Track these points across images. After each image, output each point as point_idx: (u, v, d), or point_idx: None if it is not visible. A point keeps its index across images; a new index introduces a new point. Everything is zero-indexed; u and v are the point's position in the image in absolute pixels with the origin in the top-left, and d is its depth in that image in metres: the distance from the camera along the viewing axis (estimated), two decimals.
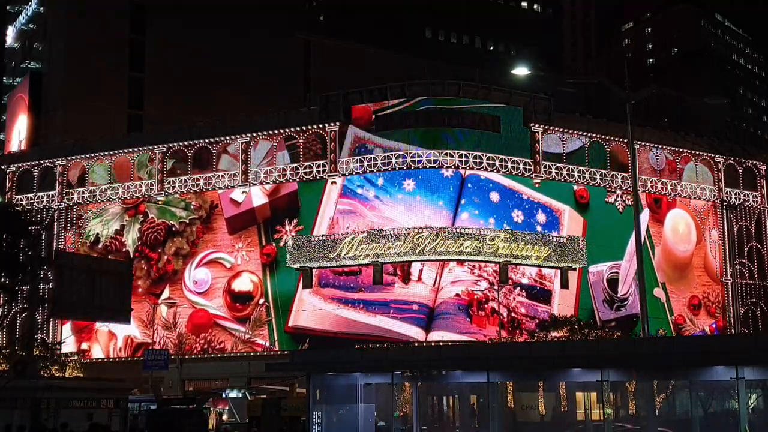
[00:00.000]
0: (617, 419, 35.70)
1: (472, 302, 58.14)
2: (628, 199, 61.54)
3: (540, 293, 60.07)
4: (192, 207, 63.73)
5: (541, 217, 61.03)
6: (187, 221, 63.83)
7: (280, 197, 61.80)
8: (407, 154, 58.79)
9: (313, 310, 59.76)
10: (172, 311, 62.67)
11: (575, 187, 62.23)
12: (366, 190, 60.14)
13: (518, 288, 59.27)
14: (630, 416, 36.80)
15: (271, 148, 62.06)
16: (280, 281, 60.64)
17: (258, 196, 62.19)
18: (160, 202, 64.11)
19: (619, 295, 62.44)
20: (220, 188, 62.56)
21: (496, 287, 57.27)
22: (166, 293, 63.26)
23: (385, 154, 59.23)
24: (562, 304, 59.82)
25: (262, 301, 60.95)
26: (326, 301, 59.40)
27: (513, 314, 58.78)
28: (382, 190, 59.89)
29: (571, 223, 61.89)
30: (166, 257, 63.68)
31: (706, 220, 66.55)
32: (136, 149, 65.33)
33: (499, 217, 59.79)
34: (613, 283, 62.44)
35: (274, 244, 61.18)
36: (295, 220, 60.94)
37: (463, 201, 59.43)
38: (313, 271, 59.57)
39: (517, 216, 60.24)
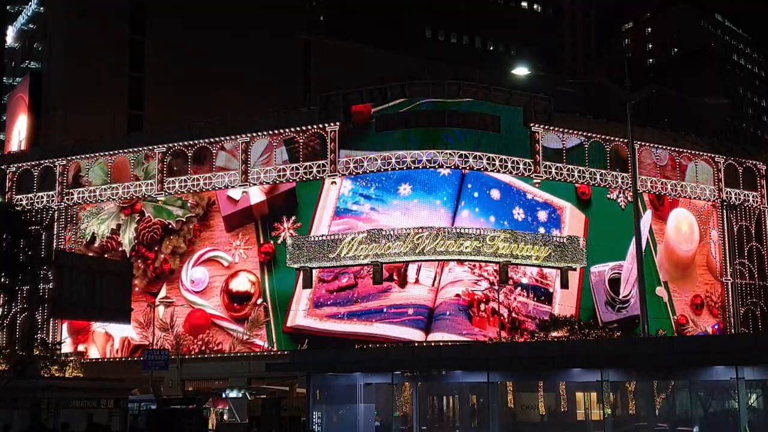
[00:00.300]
0: (657, 419, 35.56)
1: (473, 303, 58.01)
2: (630, 195, 61.48)
3: (541, 293, 60.00)
4: (189, 205, 63.67)
5: (542, 215, 60.92)
6: (184, 219, 63.70)
7: (278, 194, 61.72)
8: (407, 154, 58.75)
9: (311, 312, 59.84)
10: (170, 311, 62.53)
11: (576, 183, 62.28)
12: (360, 205, 60.02)
13: (519, 288, 59.21)
14: (630, 416, 36.83)
15: (269, 144, 62.06)
16: (278, 280, 60.53)
17: (255, 194, 62.14)
18: (159, 202, 64.05)
19: (620, 297, 62.30)
20: (220, 188, 62.47)
21: (496, 287, 57.23)
22: (163, 292, 63.10)
23: (386, 153, 59.11)
24: (563, 304, 59.73)
25: (260, 301, 60.82)
26: (322, 320, 59.24)
27: (514, 315, 58.70)
28: (376, 201, 59.76)
29: (573, 220, 61.78)
30: (162, 256, 63.60)
31: (707, 220, 66.52)
32: (136, 149, 65.30)
33: (499, 214, 59.70)
34: (614, 283, 62.31)
35: (272, 242, 61.09)
36: (293, 217, 60.86)
37: (463, 203, 59.30)
38: (312, 281, 59.47)
39: (518, 214, 60.15)
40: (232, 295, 61.89)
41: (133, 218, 65.17)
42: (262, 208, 62.06)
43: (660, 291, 64.03)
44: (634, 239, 58.16)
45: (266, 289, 60.83)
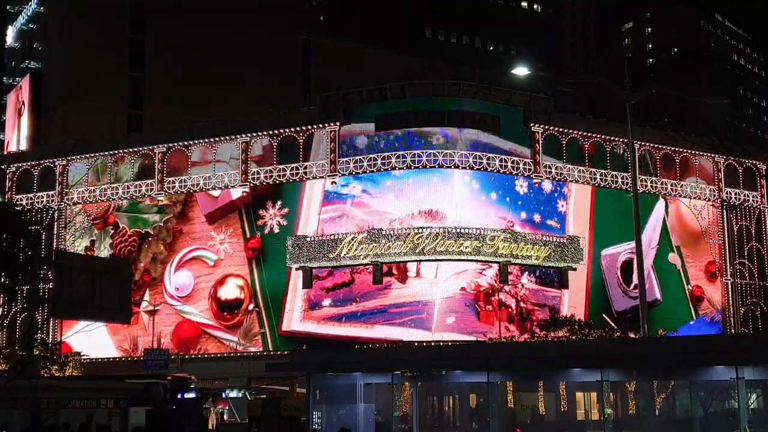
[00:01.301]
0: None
1: (479, 296, 57.16)
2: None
3: (551, 277, 58.91)
4: (165, 208, 62.59)
5: (546, 186, 60.17)
6: (162, 223, 62.60)
7: (262, 186, 60.84)
8: (407, 154, 58.61)
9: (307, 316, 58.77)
10: (157, 329, 60.43)
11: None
12: (352, 186, 59.12)
13: (527, 273, 58.18)
14: (631, 416, 36.84)
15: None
16: (269, 278, 59.52)
17: (237, 190, 61.43)
18: (160, 202, 63.67)
19: (633, 285, 60.01)
20: (220, 188, 62.22)
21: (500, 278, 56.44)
22: (146, 299, 60.92)
23: (384, 154, 58.86)
24: (573, 291, 58.65)
25: (251, 306, 59.54)
26: (320, 324, 58.16)
27: (522, 304, 57.79)
28: (368, 181, 58.79)
29: (579, 191, 60.99)
30: (142, 266, 62.20)
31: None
32: (135, 149, 65.26)
33: (500, 189, 58.71)
34: (628, 267, 60.27)
35: (258, 235, 60.05)
36: (279, 202, 60.13)
37: (460, 178, 57.92)
38: (311, 281, 58.40)
39: (521, 186, 59.37)
40: (221, 304, 60.51)
41: (107, 232, 64.00)
42: (245, 199, 61.08)
43: (673, 258, 62.98)
44: (650, 221, 56.97)
45: (257, 290, 59.61)
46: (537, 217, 59.80)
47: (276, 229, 59.82)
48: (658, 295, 62.13)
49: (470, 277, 57.39)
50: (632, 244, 59.05)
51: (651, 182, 64.14)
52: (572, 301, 58.87)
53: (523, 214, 59.42)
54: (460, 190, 58.51)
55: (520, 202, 59.40)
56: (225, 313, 60.48)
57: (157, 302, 61.27)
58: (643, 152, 63.35)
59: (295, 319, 59.02)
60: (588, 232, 60.82)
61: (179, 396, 39.77)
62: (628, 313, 58.61)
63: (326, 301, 58.64)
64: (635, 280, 59.36)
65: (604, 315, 59.50)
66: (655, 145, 64.84)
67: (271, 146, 61.14)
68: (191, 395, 42.16)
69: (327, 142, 60.02)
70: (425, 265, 57.44)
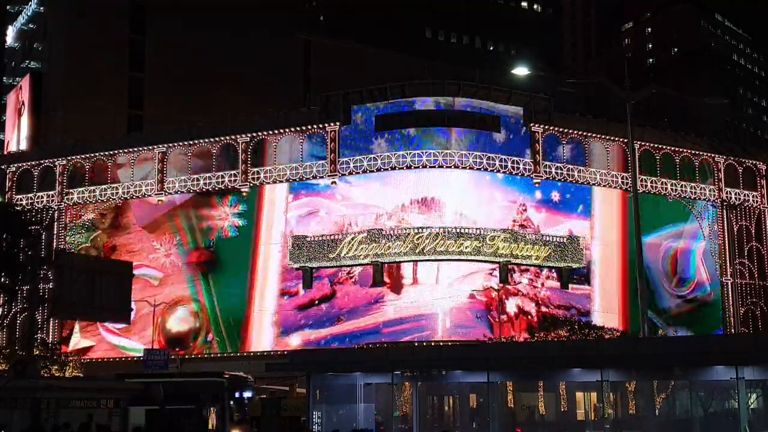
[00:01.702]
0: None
1: (491, 304, 54.27)
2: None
3: (576, 272, 55.53)
4: (95, 223, 61.12)
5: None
6: (89, 243, 60.93)
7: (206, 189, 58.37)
8: (407, 154, 58.55)
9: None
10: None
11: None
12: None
13: (546, 270, 54.94)
14: (631, 416, 36.83)
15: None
16: (226, 296, 55.89)
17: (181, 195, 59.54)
18: (159, 203, 63.46)
19: (676, 279, 56.73)
20: (219, 188, 62.09)
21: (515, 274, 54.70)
22: (75, 337, 55.98)
23: (385, 154, 58.68)
24: (606, 285, 55.26)
25: (209, 337, 55.44)
26: None
27: (544, 308, 54.24)
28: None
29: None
30: None
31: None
32: (136, 149, 65.25)
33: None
34: (673, 258, 56.61)
35: (212, 243, 57.14)
36: (232, 199, 57.35)
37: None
38: (311, 281, 56.43)
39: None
40: (172, 338, 55.60)
41: None
42: (191, 201, 58.75)
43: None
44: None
45: (217, 315, 55.44)
46: (556, 195, 57.08)
47: (232, 232, 57.88)
48: (708, 289, 60.20)
49: (477, 281, 54.71)
50: (678, 229, 57.70)
51: (652, 182, 64.15)
52: (604, 298, 55.82)
53: (538, 194, 56.95)
54: (460, 172, 56.22)
55: (535, 181, 57.19)
56: (177, 349, 55.44)
57: (90, 337, 56.31)
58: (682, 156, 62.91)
59: (263, 349, 54.03)
60: (620, 212, 58.29)
61: (237, 395, 39.51)
62: (671, 310, 55.98)
63: (301, 321, 54.14)
64: (680, 273, 56.90)
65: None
66: (655, 145, 64.83)
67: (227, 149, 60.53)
68: (248, 394, 41.95)
69: (289, 145, 59.49)
70: (423, 269, 55.92)
